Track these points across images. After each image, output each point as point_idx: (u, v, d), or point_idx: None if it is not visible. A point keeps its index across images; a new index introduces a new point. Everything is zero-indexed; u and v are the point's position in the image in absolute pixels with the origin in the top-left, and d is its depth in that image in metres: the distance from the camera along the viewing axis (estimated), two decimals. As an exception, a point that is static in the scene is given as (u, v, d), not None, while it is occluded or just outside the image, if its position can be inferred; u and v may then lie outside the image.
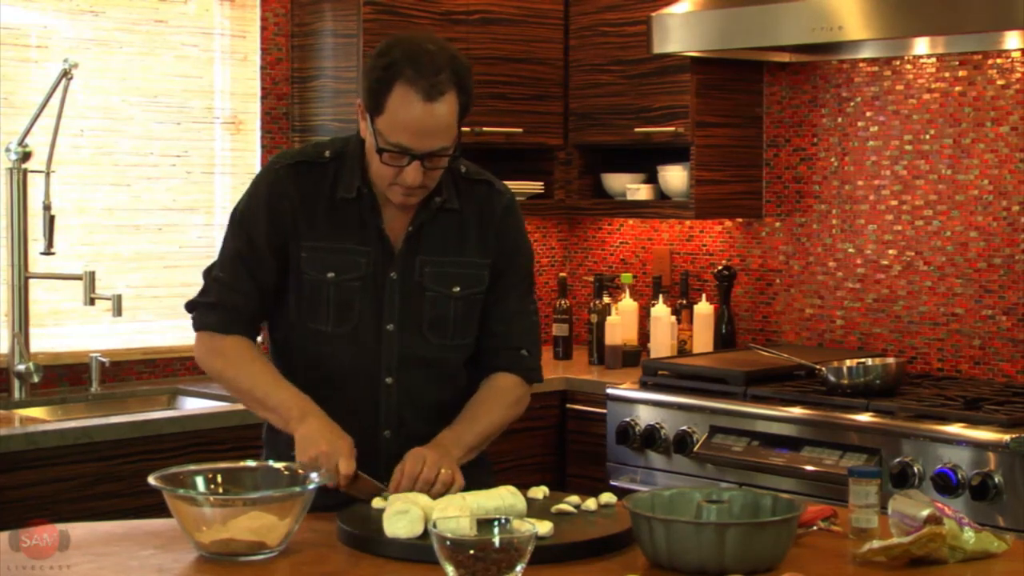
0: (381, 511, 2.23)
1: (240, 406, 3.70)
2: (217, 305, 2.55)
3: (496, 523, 1.93)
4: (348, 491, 2.38)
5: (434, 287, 2.56)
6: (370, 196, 2.54)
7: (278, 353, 2.63)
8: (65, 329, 4.05)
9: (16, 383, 3.84)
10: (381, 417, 2.55)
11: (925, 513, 2.17)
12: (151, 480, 2.17)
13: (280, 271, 2.55)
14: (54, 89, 3.84)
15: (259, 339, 2.64)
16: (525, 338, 2.66)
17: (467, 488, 2.38)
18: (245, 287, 2.54)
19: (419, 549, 2.11)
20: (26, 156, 3.85)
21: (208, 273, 2.60)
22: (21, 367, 3.83)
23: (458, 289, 2.57)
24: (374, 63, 2.44)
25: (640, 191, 4.55)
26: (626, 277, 4.70)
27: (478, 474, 2.52)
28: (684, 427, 3.85)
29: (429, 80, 2.38)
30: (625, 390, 4.05)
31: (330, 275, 2.53)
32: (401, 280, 2.55)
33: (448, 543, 1.85)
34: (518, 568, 1.86)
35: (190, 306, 2.59)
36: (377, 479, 2.41)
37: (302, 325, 2.56)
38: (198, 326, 2.58)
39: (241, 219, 2.57)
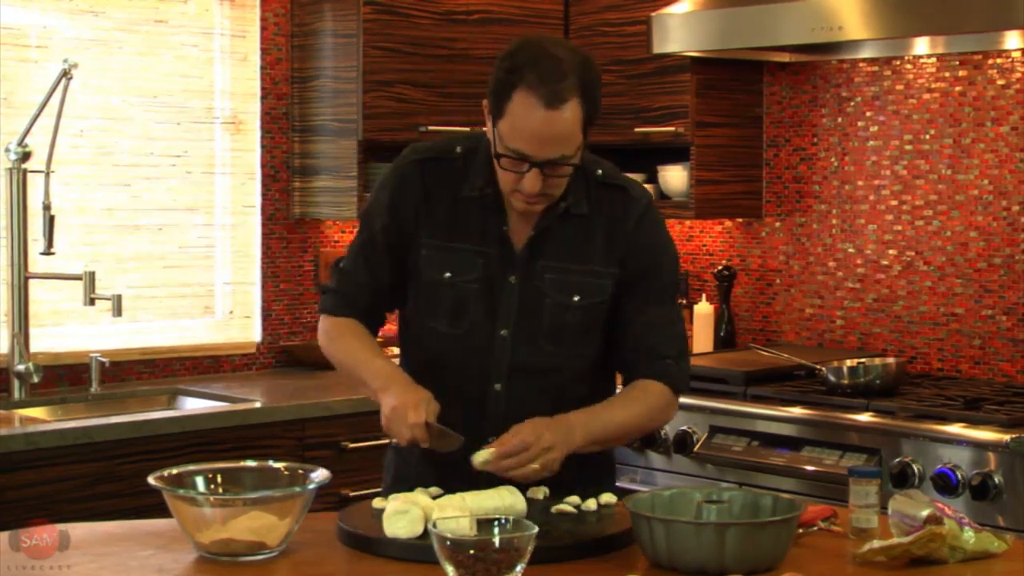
0: (381, 511, 2.23)
1: (240, 406, 3.74)
2: (334, 291, 2.59)
3: (496, 523, 1.93)
4: (436, 447, 2.34)
5: (554, 294, 2.47)
6: (495, 196, 2.47)
7: (402, 346, 2.63)
8: (65, 329, 4.05)
9: (16, 383, 3.84)
10: (488, 422, 2.47)
11: (925, 513, 2.17)
12: (151, 480, 2.17)
13: (397, 268, 2.53)
14: (54, 89, 3.83)
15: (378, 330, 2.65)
16: (671, 346, 2.52)
17: (598, 489, 2.40)
18: (361, 278, 2.56)
19: (419, 549, 2.11)
20: (26, 156, 3.85)
21: (336, 264, 2.63)
22: (21, 367, 3.83)
23: (578, 298, 2.48)
24: (499, 64, 2.38)
25: (640, 191, 4.54)
26: (626, 277, 4.69)
27: (597, 474, 2.52)
28: (684, 427, 3.85)
29: (551, 87, 2.29)
30: (625, 390, 4.04)
31: (447, 275, 2.49)
32: (521, 285, 2.48)
33: (448, 543, 1.85)
34: (518, 568, 1.86)
35: (321, 291, 2.62)
36: (474, 486, 2.32)
37: (419, 321, 2.55)
38: (319, 310, 2.63)
39: (366, 214, 2.61)
